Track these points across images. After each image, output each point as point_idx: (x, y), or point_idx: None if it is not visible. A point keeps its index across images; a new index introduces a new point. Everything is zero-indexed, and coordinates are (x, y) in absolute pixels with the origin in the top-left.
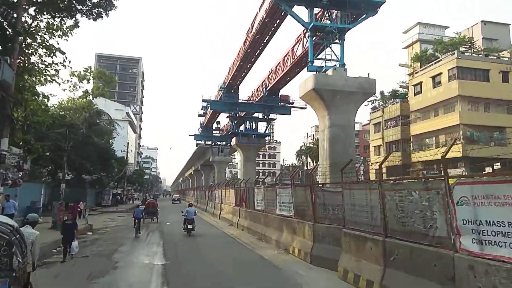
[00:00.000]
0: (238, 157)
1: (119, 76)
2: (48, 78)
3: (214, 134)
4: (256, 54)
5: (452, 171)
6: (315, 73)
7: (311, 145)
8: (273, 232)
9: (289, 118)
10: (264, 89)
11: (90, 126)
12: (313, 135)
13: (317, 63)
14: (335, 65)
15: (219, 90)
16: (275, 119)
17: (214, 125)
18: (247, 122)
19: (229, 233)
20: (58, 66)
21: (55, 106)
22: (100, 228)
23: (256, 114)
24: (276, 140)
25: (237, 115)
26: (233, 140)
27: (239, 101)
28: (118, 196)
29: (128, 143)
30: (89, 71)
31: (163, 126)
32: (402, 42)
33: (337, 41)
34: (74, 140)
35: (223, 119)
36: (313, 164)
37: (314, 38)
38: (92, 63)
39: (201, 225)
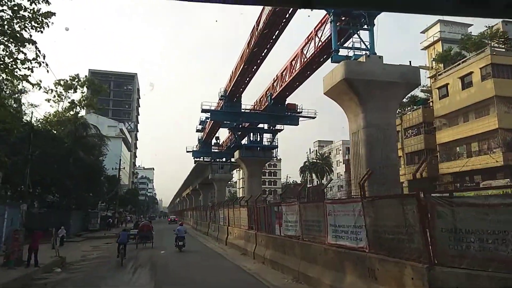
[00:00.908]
0: (236, 175)
1: (113, 93)
2: (19, 76)
3: (213, 150)
4: (263, 53)
5: (494, 183)
6: (345, 60)
7: (315, 161)
8: (322, 272)
9: (288, 134)
10: (269, 98)
11: (75, 140)
12: (316, 150)
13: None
14: (366, 53)
15: (219, 99)
16: (281, 130)
17: (213, 141)
18: (251, 134)
19: (246, 267)
20: (31, 63)
21: (41, 120)
22: (75, 262)
23: (260, 126)
24: (277, 157)
25: (240, 126)
26: (236, 154)
27: (242, 110)
28: (110, 219)
29: (120, 159)
30: (76, 79)
31: (159, 145)
32: (421, 42)
33: (365, 26)
34: (55, 154)
35: (222, 135)
36: (318, 181)
37: (338, 23)
38: None
39: (206, 254)
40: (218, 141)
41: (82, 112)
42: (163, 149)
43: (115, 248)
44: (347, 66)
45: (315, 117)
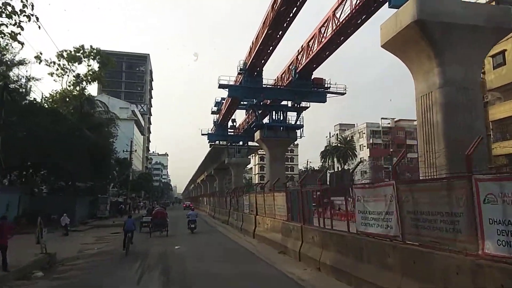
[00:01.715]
0: (252, 160)
1: (125, 74)
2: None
3: (229, 133)
4: (292, 13)
5: None
6: None
7: (338, 145)
8: None
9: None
10: (293, 72)
11: (81, 117)
12: (336, 134)
13: None
14: None
15: (238, 73)
16: (307, 107)
17: (229, 123)
18: (273, 113)
19: (294, 276)
20: (19, 16)
21: (46, 98)
22: (68, 260)
23: (284, 103)
24: (293, 143)
25: (261, 103)
26: (257, 135)
27: (264, 86)
28: (121, 205)
29: (132, 141)
30: (81, 51)
31: (173, 129)
32: None
33: None
34: (56, 131)
35: (239, 118)
36: (340, 167)
37: None
38: None
39: (233, 253)
40: (234, 123)
41: (93, 92)
42: (178, 135)
43: (122, 240)
44: (420, 3)
45: (345, 93)
